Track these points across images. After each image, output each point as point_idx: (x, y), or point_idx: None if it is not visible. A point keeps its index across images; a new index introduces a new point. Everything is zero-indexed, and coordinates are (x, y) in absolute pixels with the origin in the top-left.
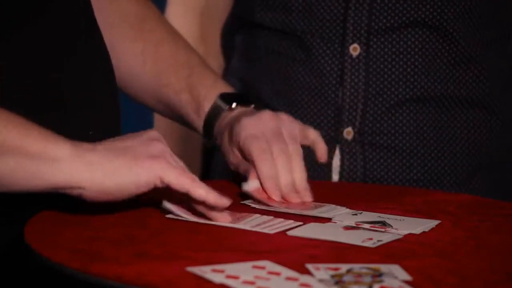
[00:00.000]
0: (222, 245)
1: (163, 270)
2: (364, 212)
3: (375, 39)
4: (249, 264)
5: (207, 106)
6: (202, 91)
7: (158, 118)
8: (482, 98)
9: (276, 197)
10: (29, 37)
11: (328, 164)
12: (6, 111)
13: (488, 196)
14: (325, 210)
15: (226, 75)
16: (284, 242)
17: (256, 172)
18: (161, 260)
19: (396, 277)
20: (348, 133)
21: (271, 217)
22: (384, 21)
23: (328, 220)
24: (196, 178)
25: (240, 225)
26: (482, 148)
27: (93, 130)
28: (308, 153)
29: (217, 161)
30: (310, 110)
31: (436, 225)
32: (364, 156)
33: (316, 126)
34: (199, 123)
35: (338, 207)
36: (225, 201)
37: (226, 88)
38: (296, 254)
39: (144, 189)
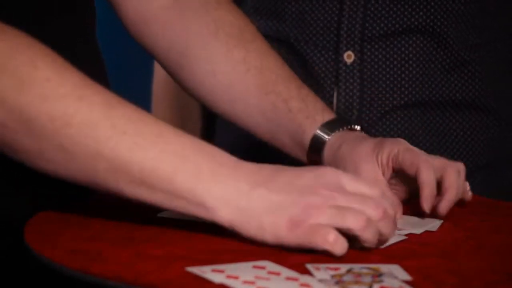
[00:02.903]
0: (222, 245)
1: (163, 270)
2: None
3: (369, 46)
4: (249, 264)
5: (320, 121)
6: (318, 105)
7: (156, 110)
8: (478, 100)
9: (428, 207)
10: None
11: None
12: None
13: (486, 196)
14: None
15: None
16: None
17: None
18: (161, 260)
19: (396, 277)
20: None
21: None
22: (378, 28)
23: None
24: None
25: None
26: (479, 149)
27: None
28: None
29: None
30: None
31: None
32: None
33: None
34: (310, 130)
35: None
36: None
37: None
38: (296, 254)
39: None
